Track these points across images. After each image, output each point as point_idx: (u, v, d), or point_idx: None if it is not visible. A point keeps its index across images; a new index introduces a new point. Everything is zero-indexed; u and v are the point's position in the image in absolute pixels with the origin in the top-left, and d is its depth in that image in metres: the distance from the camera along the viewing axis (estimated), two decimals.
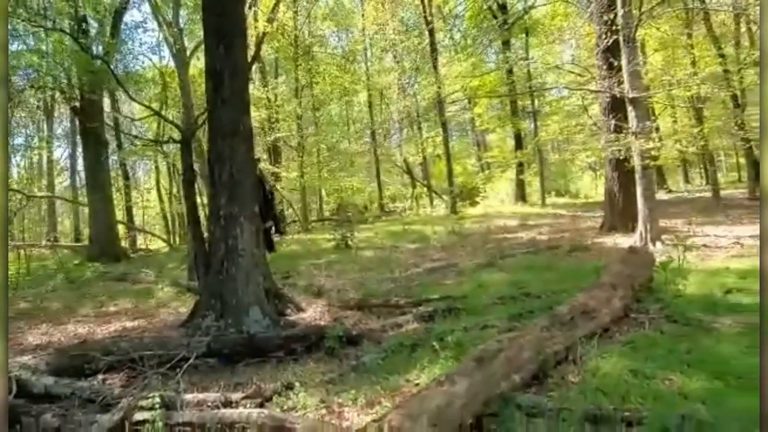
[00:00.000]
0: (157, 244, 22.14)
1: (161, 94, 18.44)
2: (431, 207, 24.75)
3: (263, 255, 5.54)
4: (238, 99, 5.28)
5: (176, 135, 13.10)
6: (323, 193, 29.27)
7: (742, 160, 24.97)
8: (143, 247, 20.80)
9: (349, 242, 11.86)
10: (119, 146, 19.95)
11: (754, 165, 21.83)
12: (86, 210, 15.67)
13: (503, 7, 20.39)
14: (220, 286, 4.95)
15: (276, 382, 3.56)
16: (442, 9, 27.25)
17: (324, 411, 3.06)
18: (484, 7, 20.85)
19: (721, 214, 12.56)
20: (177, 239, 23.14)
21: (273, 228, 7.60)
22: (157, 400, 3.00)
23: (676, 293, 4.57)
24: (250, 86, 8.49)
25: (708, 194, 18.84)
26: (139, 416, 3.05)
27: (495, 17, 20.64)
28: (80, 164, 20.86)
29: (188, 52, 18.41)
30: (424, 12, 23.28)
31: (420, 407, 2.33)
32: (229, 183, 5.09)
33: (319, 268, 8.75)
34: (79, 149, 17.92)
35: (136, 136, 10.62)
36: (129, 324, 5.56)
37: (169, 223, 27.47)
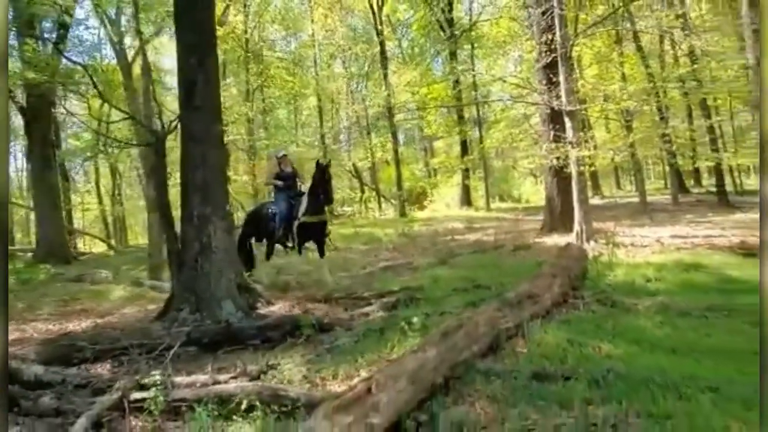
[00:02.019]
0: (98, 248, 21.48)
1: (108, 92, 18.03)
2: (380, 211, 25.29)
3: (234, 252, 5.84)
4: (210, 107, 5.60)
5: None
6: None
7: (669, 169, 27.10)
8: (83, 250, 20.14)
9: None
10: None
11: (677, 174, 23.82)
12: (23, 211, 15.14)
13: (450, 21, 21.26)
14: (195, 281, 5.23)
15: (257, 365, 3.92)
16: (391, 18, 27.92)
17: (308, 385, 3.46)
18: (432, 19, 21.65)
19: (646, 217, 13.82)
20: (124, 241, 22.54)
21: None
22: (157, 378, 3.30)
23: (605, 282, 5.29)
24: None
25: (637, 200, 20.40)
26: (136, 395, 3.35)
27: (443, 29, 21.52)
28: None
29: (131, 51, 18.14)
30: (374, 21, 23.88)
31: (399, 369, 2.80)
32: (202, 185, 5.39)
33: (276, 267, 9.03)
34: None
35: (115, 139, 10.41)
36: (99, 320, 5.70)
37: (110, 225, 26.62)
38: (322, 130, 29.48)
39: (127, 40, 19.53)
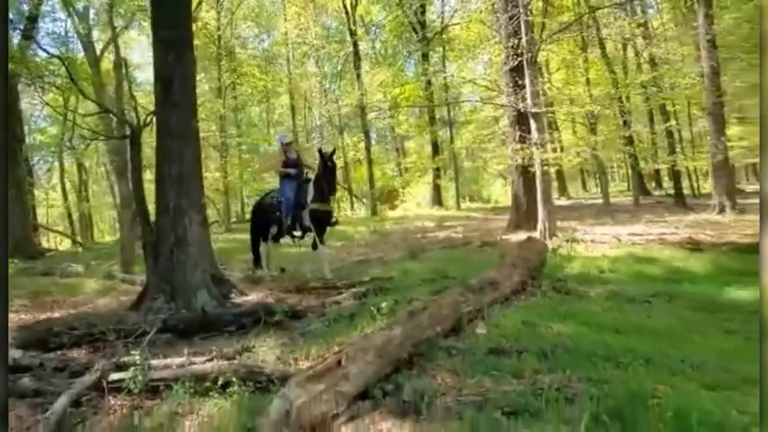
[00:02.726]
0: (63, 245, 21.05)
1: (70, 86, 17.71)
2: (352, 210, 25.49)
3: (209, 244, 5.97)
4: (187, 103, 5.73)
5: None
6: (245, 194, 29.04)
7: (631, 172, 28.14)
8: (47, 246, 19.72)
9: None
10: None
11: (639, 177, 24.75)
12: None
13: (422, 23, 21.60)
14: (170, 271, 5.36)
15: (232, 348, 4.10)
16: (365, 19, 28.11)
17: (282, 365, 3.66)
18: (405, 21, 21.97)
19: (608, 217, 14.43)
20: (90, 238, 22.13)
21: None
22: (137, 358, 3.45)
23: (563, 272, 5.64)
24: None
25: (601, 201, 21.14)
26: (115, 376, 3.49)
27: (415, 31, 21.86)
28: None
29: (99, 45, 17.86)
30: (348, 21, 24.06)
31: (367, 344, 3.04)
32: (178, 179, 5.51)
33: (249, 262, 9.16)
34: None
35: (93, 132, 10.23)
36: (73, 311, 5.76)
37: (75, 222, 26.05)
38: (295, 128, 29.50)
39: (95, 34, 19.25)
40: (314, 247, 7.44)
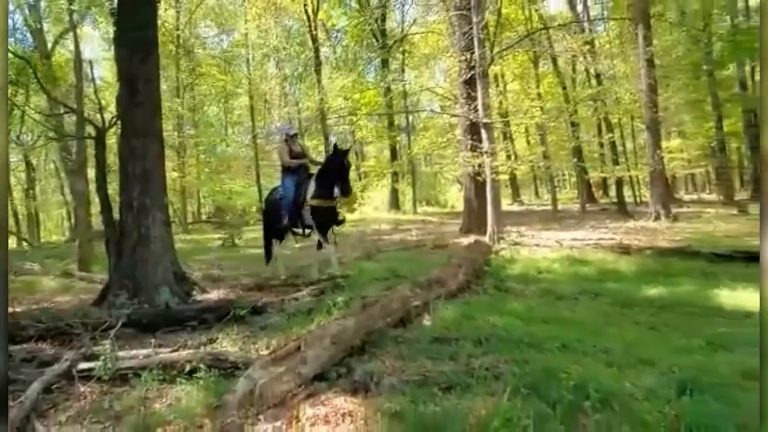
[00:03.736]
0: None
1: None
2: None
3: (171, 242, 6.17)
4: (151, 103, 5.94)
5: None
6: (202, 194, 28.73)
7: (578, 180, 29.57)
8: None
9: (236, 241, 12.47)
10: None
11: (586, 185, 26.05)
12: None
13: (383, 31, 22.10)
14: (133, 269, 5.55)
15: (197, 341, 4.37)
16: (326, 24, 28.36)
17: (244, 354, 3.97)
18: (366, 28, 22.40)
19: (555, 223, 15.30)
20: (37, 237, 21.43)
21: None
22: (108, 346, 3.68)
23: (505, 273, 6.17)
24: None
25: (550, 207, 22.16)
26: (84, 365, 3.71)
27: (376, 38, 22.34)
28: None
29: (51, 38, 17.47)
30: (309, 25, 24.28)
31: (324, 333, 3.41)
32: (142, 177, 5.71)
33: (208, 262, 9.35)
34: None
35: (56, 131, 10.03)
36: (34, 307, 5.84)
37: (21, 221, 25.15)
38: (254, 130, 29.43)
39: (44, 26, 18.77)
40: (319, 246, 7.10)
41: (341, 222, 7.08)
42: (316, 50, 23.33)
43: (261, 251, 11.23)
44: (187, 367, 3.51)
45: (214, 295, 6.11)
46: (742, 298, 4.97)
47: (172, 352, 4.07)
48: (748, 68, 23.37)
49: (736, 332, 3.81)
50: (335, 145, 6.74)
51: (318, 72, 23.75)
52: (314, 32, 23.55)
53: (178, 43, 20.93)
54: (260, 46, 30.34)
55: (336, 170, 6.43)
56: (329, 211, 6.74)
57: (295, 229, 7.24)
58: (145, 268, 5.54)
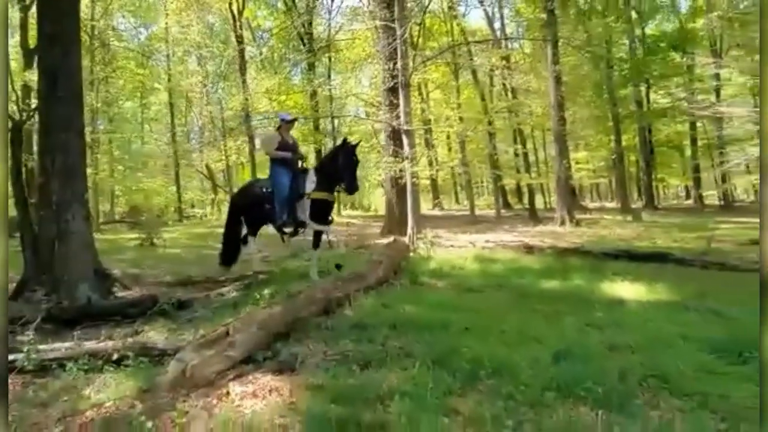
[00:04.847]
0: None
1: None
2: None
3: (91, 237, 6.08)
4: (73, 97, 5.86)
5: None
6: (116, 193, 27.34)
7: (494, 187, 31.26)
8: None
9: (155, 241, 12.16)
10: None
11: (502, 191, 27.62)
12: None
13: (310, 35, 22.27)
14: (52, 264, 5.45)
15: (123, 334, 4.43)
16: (251, 23, 28.03)
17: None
18: (293, 30, 22.47)
19: (472, 226, 16.27)
20: None
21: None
22: (31, 336, 3.70)
23: (421, 269, 6.68)
24: (34, 75, 8.28)
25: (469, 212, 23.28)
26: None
27: (303, 41, 22.46)
28: None
29: None
30: (234, 24, 23.92)
31: (251, 319, 3.67)
32: (62, 172, 5.63)
33: (127, 261, 9.13)
34: None
35: None
36: None
37: None
38: (174, 127, 28.47)
39: None
40: (316, 245, 6.60)
41: (330, 222, 6.60)
42: (242, 50, 23.03)
43: (181, 251, 11.13)
44: (115, 356, 3.61)
45: (135, 291, 6.09)
46: (620, 289, 5.82)
47: (98, 342, 4.13)
48: (643, 88, 25.87)
49: (610, 316, 4.50)
50: (345, 139, 6.29)
51: (243, 72, 23.45)
52: (239, 31, 23.24)
53: (93, 34, 19.92)
54: (181, 42, 29.42)
55: (346, 165, 5.98)
56: (329, 206, 6.43)
57: (285, 228, 6.50)
58: (64, 263, 5.46)
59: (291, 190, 6.22)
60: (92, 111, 19.69)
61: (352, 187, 6.01)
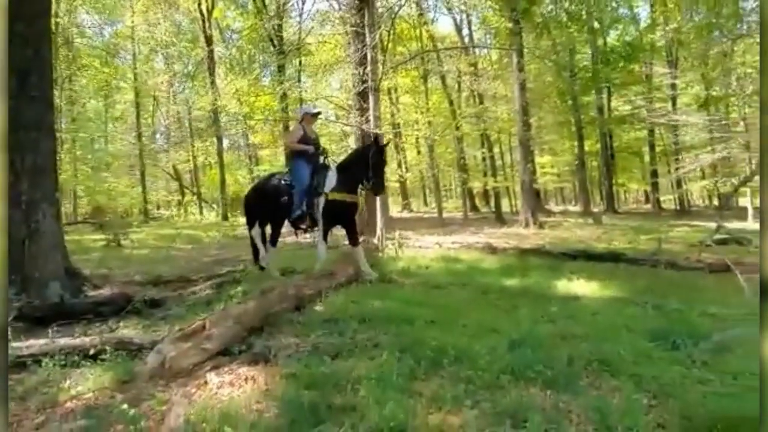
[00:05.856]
0: None
1: None
2: (201, 215, 25.03)
3: (62, 236, 6.11)
4: (44, 96, 5.89)
5: None
6: (78, 193, 26.71)
7: (462, 190, 31.89)
8: None
9: (122, 242, 12.08)
10: None
11: (470, 194, 28.22)
12: None
13: (280, 37, 22.32)
14: (21, 263, 5.47)
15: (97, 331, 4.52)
16: (220, 23, 27.85)
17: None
18: (263, 32, 22.50)
19: (440, 228, 16.65)
20: None
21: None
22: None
23: (389, 269, 6.94)
24: None
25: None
26: None
27: (273, 42, 22.50)
28: None
29: None
30: (203, 23, 23.77)
31: (227, 314, 3.85)
32: (32, 171, 5.65)
33: (94, 261, 9.09)
34: None
35: None
36: None
37: None
38: (140, 127, 28.03)
39: None
40: (354, 242, 6.47)
41: (357, 240, 6.51)
42: (210, 50, 22.90)
43: (149, 252, 11.10)
44: (92, 351, 3.71)
45: (106, 291, 6.13)
46: (575, 286, 6.23)
47: (73, 339, 4.22)
48: (604, 96, 26.88)
49: (563, 311, 4.85)
50: (376, 137, 6.17)
51: (211, 72, 23.33)
52: (208, 31, 23.12)
53: (56, 31, 19.52)
54: (147, 40, 29.00)
55: (375, 164, 5.85)
56: (352, 206, 6.26)
57: (300, 223, 6.41)
58: (34, 262, 5.49)
59: (310, 185, 6.14)
60: (56, 110, 19.27)
61: (380, 187, 6.00)
